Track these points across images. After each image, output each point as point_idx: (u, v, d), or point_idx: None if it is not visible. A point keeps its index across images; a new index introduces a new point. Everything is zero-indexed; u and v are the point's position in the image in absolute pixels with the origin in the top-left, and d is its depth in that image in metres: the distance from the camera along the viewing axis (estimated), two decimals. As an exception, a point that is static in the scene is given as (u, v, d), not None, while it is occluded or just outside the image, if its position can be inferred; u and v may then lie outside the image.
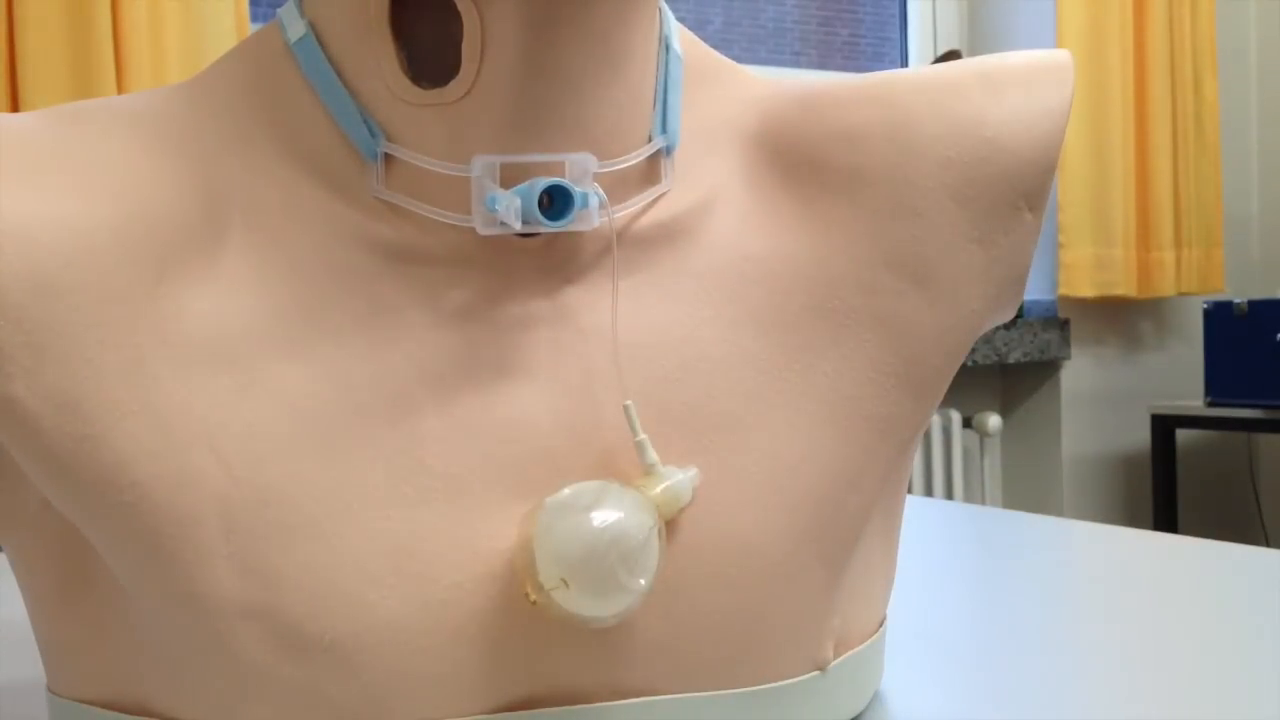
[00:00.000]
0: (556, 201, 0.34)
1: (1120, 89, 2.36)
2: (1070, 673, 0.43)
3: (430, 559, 0.32)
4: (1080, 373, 2.48)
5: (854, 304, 0.36)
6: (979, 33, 2.55)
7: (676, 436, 0.34)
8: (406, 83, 0.34)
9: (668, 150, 0.37)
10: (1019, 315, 2.35)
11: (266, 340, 0.33)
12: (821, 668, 0.37)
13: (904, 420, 0.36)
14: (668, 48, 0.38)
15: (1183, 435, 2.62)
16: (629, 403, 0.34)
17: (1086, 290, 2.36)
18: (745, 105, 0.40)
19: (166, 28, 1.51)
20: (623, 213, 0.36)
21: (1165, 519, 2.30)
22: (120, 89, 1.47)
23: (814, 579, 0.36)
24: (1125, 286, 2.36)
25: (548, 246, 0.35)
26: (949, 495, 2.33)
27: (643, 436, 0.34)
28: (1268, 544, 2.67)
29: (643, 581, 0.32)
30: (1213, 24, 2.49)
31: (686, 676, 0.34)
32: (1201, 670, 0.43)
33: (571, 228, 0.34)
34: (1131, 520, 2.54)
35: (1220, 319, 2.21)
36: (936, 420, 2.31)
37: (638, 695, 0.34)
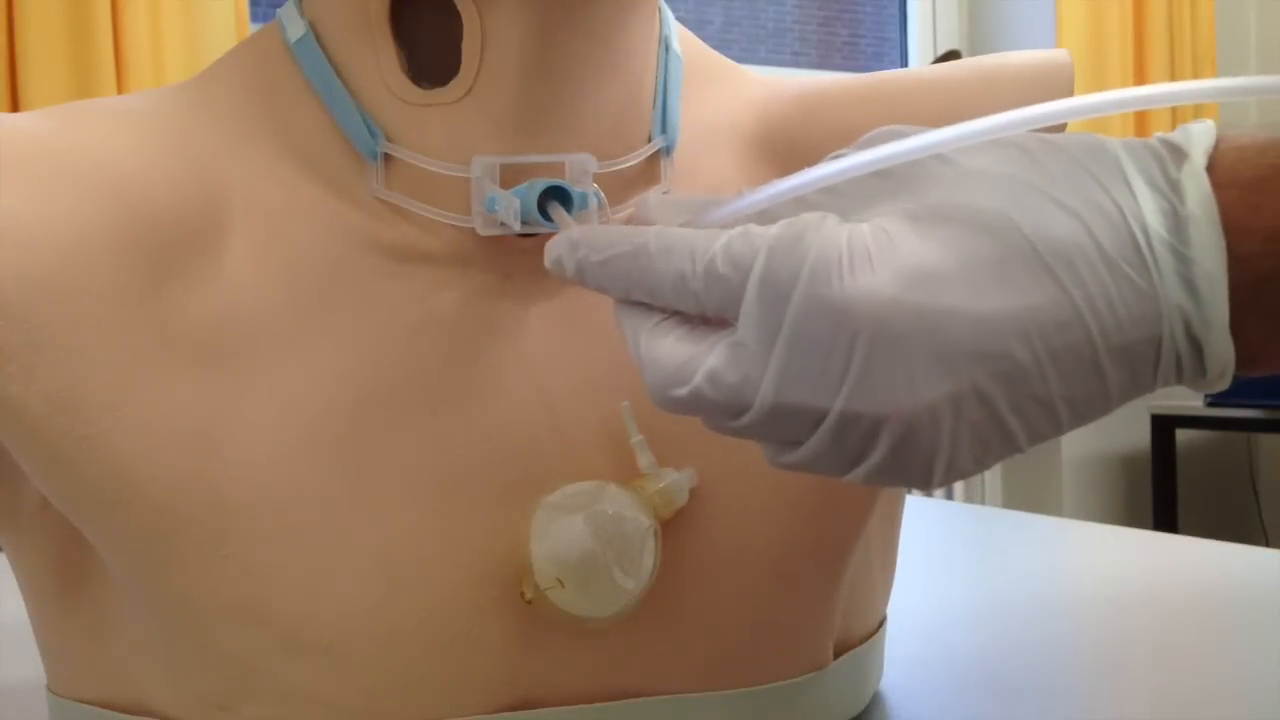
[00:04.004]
0: (556, 202, 0.33)
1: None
2: (1070, 672, 0.43)
3: (428, 559, 0.32)
4: (1080, 372, 2.47)
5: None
6: (979, 33, 2.55)
7: (674, 437, 0.34)
8: (406, 83, 0.34)
9: (667, 150, 0.36)
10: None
11: (265, 340, 0.33)
12: (821, 667, 0.37)
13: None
14: (667, 48, 0.38)
15: (1183, 435, 2.61)
16: (626, 404, 0.34)
17: (1087, 290, 2.35)
18: (744, 105, 0.40)
19: (166, 28, 1.51)
20: (623, 213, 0.36)
21: (1165, 519, 2.30)
22: (120, 89, 1.46)
23: (813, 579, 0.36)
24: (1125, 286, 2.36)
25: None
26: (949, 495, 2.33)
27: (640, 437, 0.33)
28: (1268, 544, 2.67)
29: (639, 582, 0.32)
30: (1213, 24, 2.49)
31: (685, 676, 0.34)
32: (1202, 670, 0.43)
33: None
34: (1131, 520, 2.54)
35: (1220, 318, 2.20)
36: (936, 420, 2.30)
37: (636, 695, 0.34)
